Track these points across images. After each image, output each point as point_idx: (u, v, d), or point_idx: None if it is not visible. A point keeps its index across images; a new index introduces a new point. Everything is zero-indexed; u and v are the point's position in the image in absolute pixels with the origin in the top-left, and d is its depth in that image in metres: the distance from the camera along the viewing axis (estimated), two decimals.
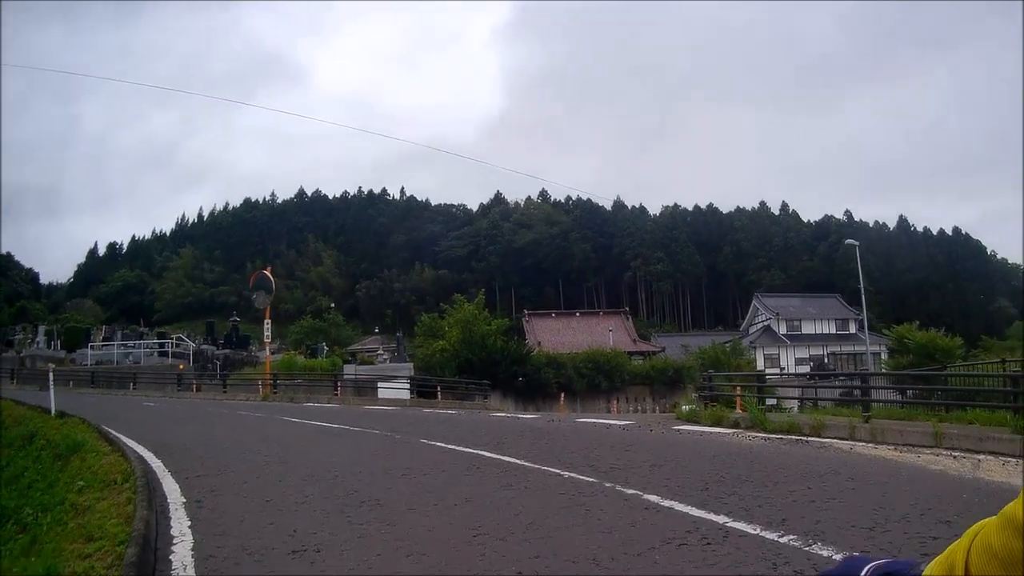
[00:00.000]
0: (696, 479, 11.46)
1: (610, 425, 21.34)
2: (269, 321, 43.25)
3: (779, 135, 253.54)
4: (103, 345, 63.30)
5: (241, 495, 11.33)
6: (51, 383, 26.86)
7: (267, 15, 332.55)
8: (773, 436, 17.94)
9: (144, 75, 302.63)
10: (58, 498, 12.96)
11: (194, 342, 67.67)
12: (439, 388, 41.92)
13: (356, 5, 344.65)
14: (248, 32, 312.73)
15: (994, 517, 1.02)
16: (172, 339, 66.32)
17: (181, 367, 51.52)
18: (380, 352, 73.03)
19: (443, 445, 16.44)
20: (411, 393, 42.19)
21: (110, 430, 20.26)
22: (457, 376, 48.59)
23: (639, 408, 56.39)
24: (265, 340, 45.04)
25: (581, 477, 11.73)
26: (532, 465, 13.21)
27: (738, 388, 25.97)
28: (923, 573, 1.15)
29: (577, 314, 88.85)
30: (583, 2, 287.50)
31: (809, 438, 17.33)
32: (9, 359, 59.53)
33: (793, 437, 17.64)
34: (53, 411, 25.49)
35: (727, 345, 73.17)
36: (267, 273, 44.22)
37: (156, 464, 14.76)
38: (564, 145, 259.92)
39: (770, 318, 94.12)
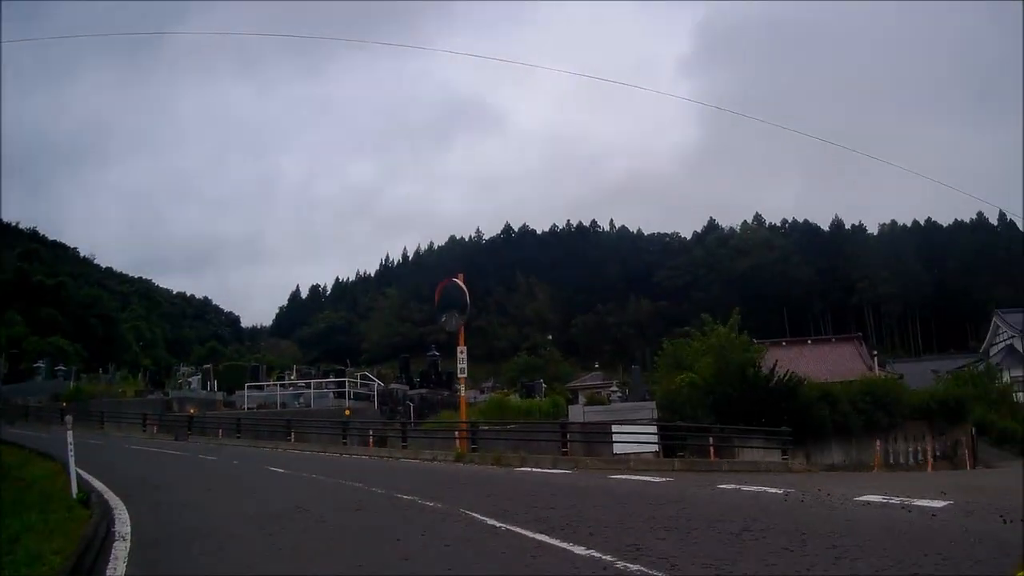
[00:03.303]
0: None
1: None
2: (463, 349, 30.98)
3: (975, 144, 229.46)
4: (268, 386, 52.74)
5: None
6: (69, 446, 15.83)
7: (457, 63, 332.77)
8: None
9: (341, 127, 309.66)
10: None
11: (385, 382, 56.94)
12: (713, 441, 29.32)
13: (542, 49, 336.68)
14: (441, 80, 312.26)
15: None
16: (354, 378, 54.94)
17: (347, 412, 39.94)
18: (614, 389, 60.91)
19: None
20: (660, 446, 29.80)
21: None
22: (713, 418, 36.05)
23: (919, 450, 43.29)
24: (459, 376, 32.98)
25: None
26: None
27: None
28: None
29: (808, 341, 77.90)
30: (765, 26, 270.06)
31: None
32: (152, 402, 50.37)
33: None
34: (75, 491, 15.16)
35: (977, 367, 65.29)
36: (459, 281, 32.19)
37: None
38: (766, 169, 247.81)
39: (1013, 336, 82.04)
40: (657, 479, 19.30)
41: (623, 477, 20.07)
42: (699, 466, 25.50)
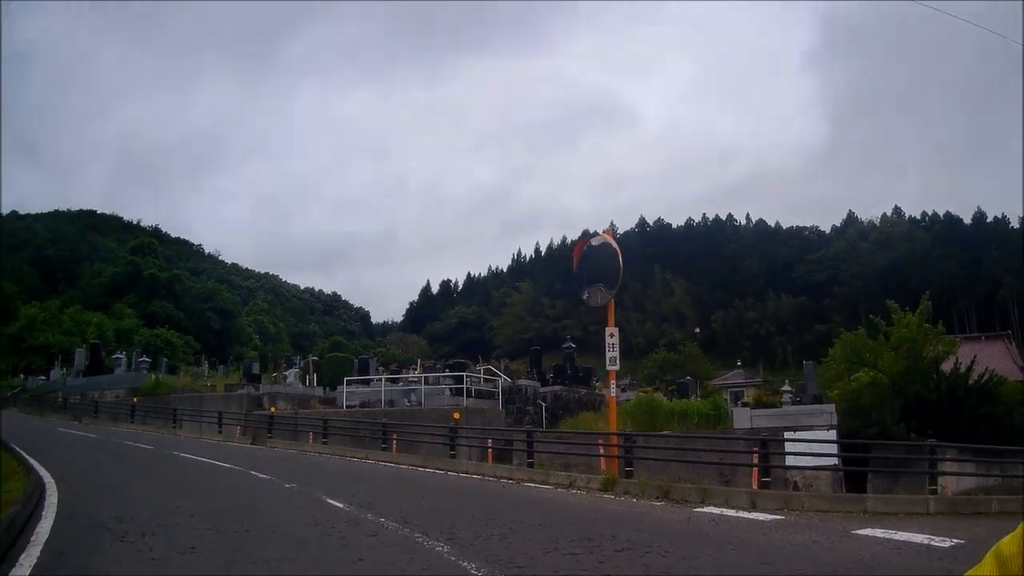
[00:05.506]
0: None
1: None
2: (613, 331, 23.18)
3: None
4: (374, 380, 44.55)
5: None
6: None
7: (579, 63, 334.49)
8: None
9: (466, 128, 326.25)
10: None
11: (513, 378, 49.31)
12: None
13: (665, 44, 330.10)
14: (563, 80, 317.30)
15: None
16: (476, 372, 47.50)
17: (456, 415, 32.22)
18: (787, 389, 52.66)
19: None
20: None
21: None
22: (901, 422, 28.55)
23: None
24: (608, 368, 24.66)
25: None
26: None
27: None
28: None
29: (959, 339, 69.14)
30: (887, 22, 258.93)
31: None
32: (238, 398, 44.51)
33: None
34: None
35: None
36: (608, 238, 24.30)
37: None
38: (897, 162, 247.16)
39: None
40: (937, 541, 11.65)
41: (876, 535, 12.38)
42: (961, 507, 17.42)
